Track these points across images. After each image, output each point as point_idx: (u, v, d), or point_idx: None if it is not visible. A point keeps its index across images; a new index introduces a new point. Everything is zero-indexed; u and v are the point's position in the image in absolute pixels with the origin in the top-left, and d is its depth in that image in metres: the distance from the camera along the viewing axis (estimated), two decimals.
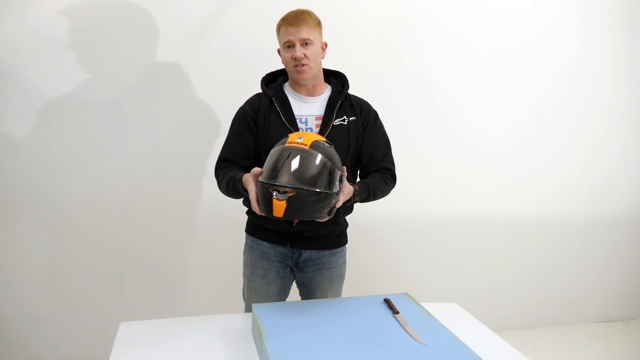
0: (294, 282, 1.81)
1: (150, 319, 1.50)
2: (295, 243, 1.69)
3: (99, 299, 2.37)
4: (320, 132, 1.60)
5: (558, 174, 2.94)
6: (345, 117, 1.64)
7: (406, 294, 1.56)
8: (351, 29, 2.44)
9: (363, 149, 1.68)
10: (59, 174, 2.24)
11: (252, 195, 1.39)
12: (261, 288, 1.72)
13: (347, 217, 1.79)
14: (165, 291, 2.47)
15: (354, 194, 1.51)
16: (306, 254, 1.71)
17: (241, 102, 1.70)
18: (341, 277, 1.79)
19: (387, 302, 1.47)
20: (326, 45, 1.68)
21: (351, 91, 1.72)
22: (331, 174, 1.34)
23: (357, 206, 1.76)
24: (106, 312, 2.36)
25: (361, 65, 2.44)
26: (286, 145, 1.35)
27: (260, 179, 1.35)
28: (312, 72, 1.61)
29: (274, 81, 1.71)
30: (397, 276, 2.77)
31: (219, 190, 1.63)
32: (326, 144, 1.40)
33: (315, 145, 1.35)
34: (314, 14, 1.62)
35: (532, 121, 2.83)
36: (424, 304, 1.51)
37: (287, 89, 1.68)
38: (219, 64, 2.31)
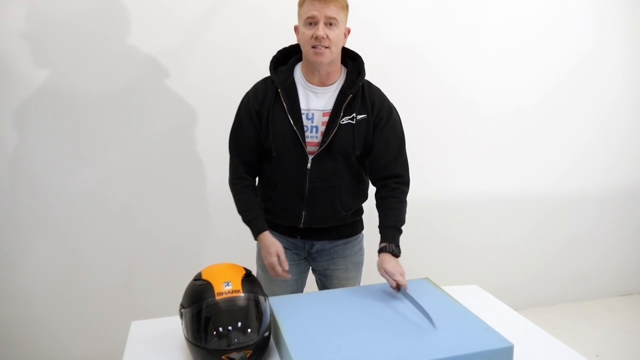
0: (311, 271, 1.76)
1: (161, 317, 1.47)
2: (306, 236, 1.63)
3: (109, 299, 2.33)
4: (326, 132, 1.49)
5: (571, 149, 2.90)
6: (354, 114, 1.51)
7: (427, 278, 1.51)
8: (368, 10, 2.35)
9: (373, 146, 1.56)
10: (62, 172, 2.19)
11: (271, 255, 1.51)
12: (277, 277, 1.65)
13: (364, 205, 1.71)
14: (176, 288, 2.41)
15: (396, 248, 1.49)
16: (318, 244, 1.65)
17: (242, 96, 1.60)
18: (357, 265, 1.72)
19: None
20: (349, 31, 1.53)
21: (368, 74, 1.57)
22: (262, 310, 1.21)
23: (372, 194, 1.69)
24: (116, 312, 2.31)
25: (377, 48, 2.35)
26: (217, 298, 1.18)
27: (204, 345, 1.15)
28: (331, 57, 1.45)
29: (285, 62, 1.57)
30: (417, 261, 2.71)
31: (227, 184, 1.61)
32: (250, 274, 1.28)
33: (244, 283, 1.22)
34: None
35: (546, 101, 2.79)
36: (445, 288, 1.47)
37: (298, 76, 1.54)
38: (220, 58, 2.24)
